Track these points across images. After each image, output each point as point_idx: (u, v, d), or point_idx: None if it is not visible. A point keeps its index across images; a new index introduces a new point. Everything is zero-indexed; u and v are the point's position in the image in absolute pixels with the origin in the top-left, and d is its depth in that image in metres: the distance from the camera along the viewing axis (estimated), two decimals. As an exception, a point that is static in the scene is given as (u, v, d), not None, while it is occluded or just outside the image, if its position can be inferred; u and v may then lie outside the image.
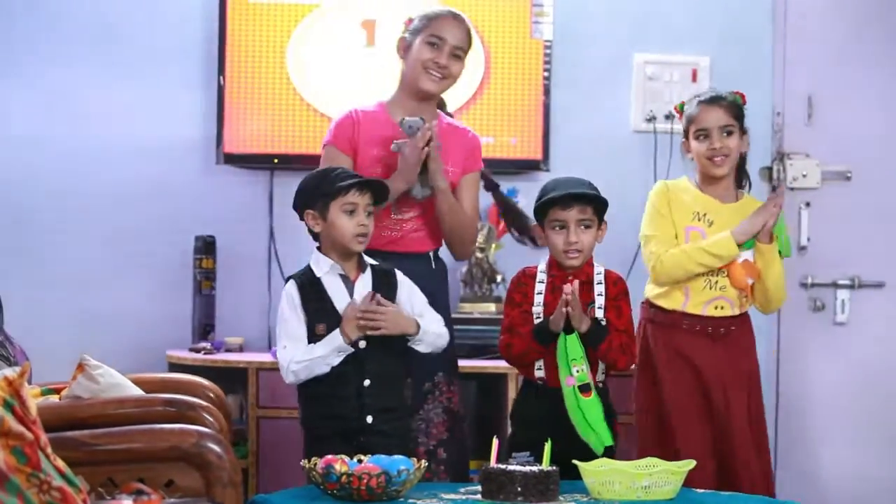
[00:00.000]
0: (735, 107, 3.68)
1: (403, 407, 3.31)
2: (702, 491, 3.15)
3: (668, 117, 4.73)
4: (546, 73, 4.69)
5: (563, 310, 3.22)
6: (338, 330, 3.18)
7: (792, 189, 4.80)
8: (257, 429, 4.29)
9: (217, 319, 4.62)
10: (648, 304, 3.72)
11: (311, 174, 3.35)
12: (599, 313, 3.32)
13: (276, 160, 4.63)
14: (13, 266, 4.55)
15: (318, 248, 3.29)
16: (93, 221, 4.70)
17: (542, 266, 3.41)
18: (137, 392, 3.40)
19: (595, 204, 3.35)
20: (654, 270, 3.65)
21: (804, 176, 4.81)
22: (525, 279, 3.42)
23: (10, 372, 2.30)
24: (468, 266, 4.60)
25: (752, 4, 4.82)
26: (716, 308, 3.65)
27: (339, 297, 3.24)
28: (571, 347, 3.24)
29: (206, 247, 4.61)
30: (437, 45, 3.57)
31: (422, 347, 3.26)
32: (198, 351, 4.46)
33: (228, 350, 4.52)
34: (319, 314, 3.22)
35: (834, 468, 4.77)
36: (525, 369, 3.40)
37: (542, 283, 3.37)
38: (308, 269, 3.28)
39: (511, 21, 4.70)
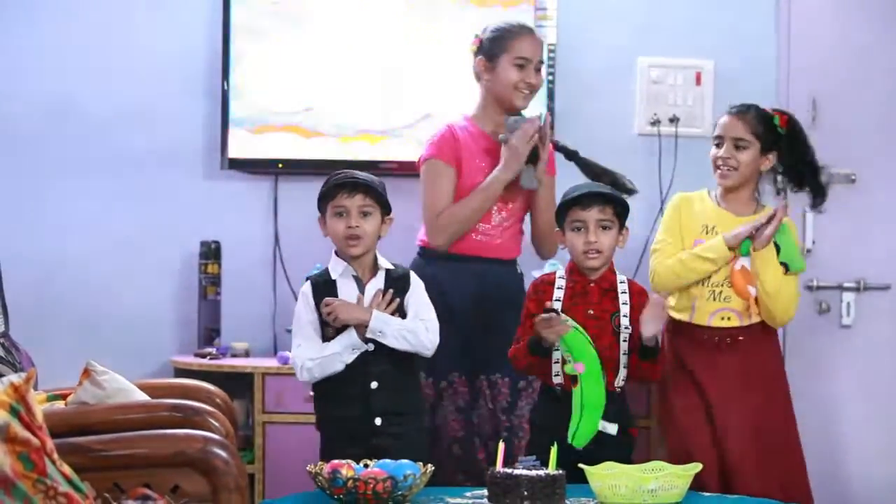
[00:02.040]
0: (759, 124, 3.68)
1: (415, 410, 3.30)
2: (708, 494, 3.15)
3: (672, 120, 4.73)
4: (550, 77, 4.68)
5: (545, 330, 3.17)
6: (351, 327, 3.19)
7: (796, 192, 4.79)
8: (263, 434, 4.28)
9: (222, 324, 4.62)
10: None
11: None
12: (625, 321, 3.31)
13: (280, 165, 4.62)
14: (18, 271, 4.55)
15: (336, 251, 3.32)
16: (98, 226, 4.70)
17: (561, 272, 3.40)
18: (143, 397, 3.40)
19: (614, 205, 3.33)
20: (653, 281, 3.69)
21: (809, 178, 4.80)
22: (543, 287, 3.39)
23: (16, 378, 2.30)
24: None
25: (756, 7, 4.81)
26: (722, 319, 3.65)
27: (349, 298, 3.25)
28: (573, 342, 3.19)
29: (212, 252, 4.61)
30: (524, 66, 3.77)
31: (387, 341, 3.23)
32: (203, 356, 4.46)
33: (234, 355, 4.52)
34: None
35: (839, 470, 4.75)
36: (543, 376, 3.38)
37: (561, 289, 3.35)
38: (325, 271, 3.31)
39: (515, 25, 4.70)
